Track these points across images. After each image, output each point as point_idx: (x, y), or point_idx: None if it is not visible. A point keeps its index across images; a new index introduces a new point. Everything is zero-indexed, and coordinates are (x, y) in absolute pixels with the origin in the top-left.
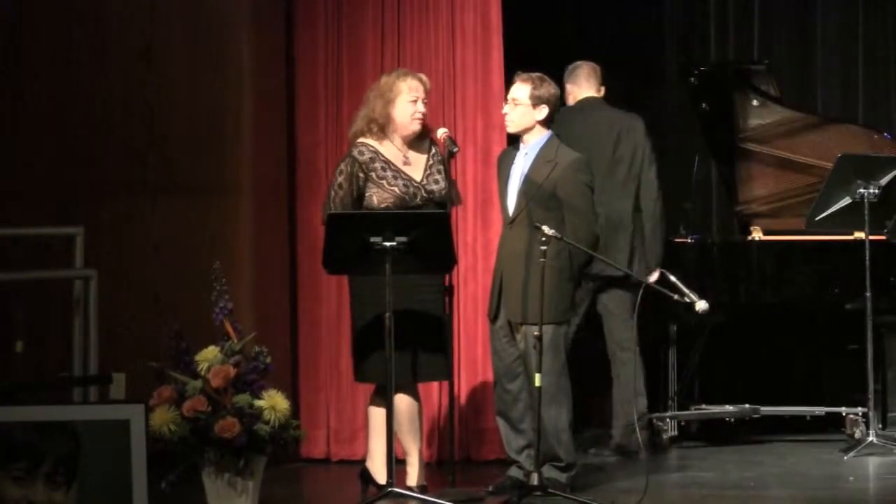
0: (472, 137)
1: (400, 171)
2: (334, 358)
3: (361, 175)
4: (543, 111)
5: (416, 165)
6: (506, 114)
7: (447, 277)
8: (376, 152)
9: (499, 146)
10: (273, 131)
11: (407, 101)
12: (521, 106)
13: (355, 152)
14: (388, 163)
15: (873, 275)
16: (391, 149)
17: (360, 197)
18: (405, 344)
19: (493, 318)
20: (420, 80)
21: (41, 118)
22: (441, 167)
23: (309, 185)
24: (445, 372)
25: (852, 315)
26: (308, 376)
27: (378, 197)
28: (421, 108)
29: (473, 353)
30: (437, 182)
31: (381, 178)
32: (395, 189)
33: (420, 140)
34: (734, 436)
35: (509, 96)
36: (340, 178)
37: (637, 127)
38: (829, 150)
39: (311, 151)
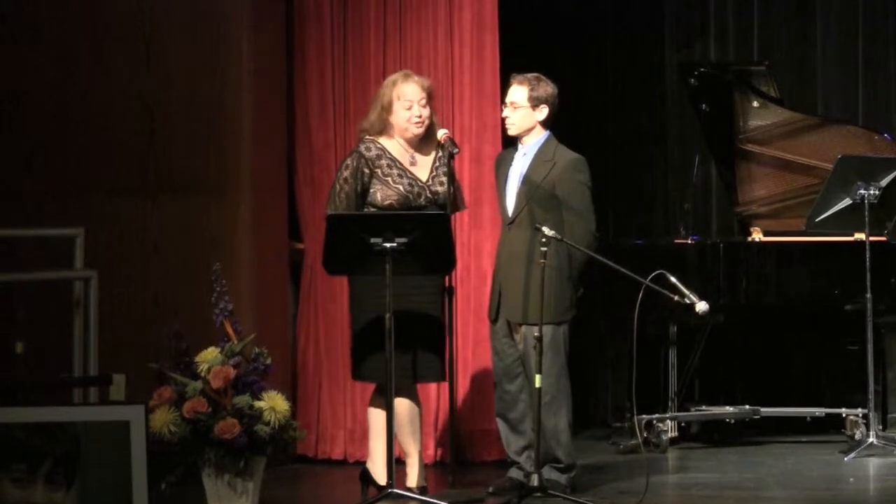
0: (468, 137)
1: (406, 170)
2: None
3: (367, 171)
4: (543, 111)
5: (422, 166)
6: (506, 117)
7: (447, 279)
8: (383, 149)
9: (492, 146)
10: (273, 131)
11: (401, 108)
12: (521, 108)
13: (362, 148)
14: (394, 160)
15: (873, 276)
16: (397, 147)
17: (364, 193)
18: (403, 345)
19: (494, 318)
20: (416, 84)
21: (41, 118)
22: (445, 170)
23: (322, 184)
24: (440, 373)
25: (852, 316)
26: (330, 376)
27: (382, 193)
28: (417, 112)
29: (465, 354)
30: (442, 184)
31: (387, 176)
32: (400, 187)
33: (427, 141)
34: (734, 437)
35: (507, 100)
36: (346, 173)
37: None
38: (830, 151)
39: (325, 151)
